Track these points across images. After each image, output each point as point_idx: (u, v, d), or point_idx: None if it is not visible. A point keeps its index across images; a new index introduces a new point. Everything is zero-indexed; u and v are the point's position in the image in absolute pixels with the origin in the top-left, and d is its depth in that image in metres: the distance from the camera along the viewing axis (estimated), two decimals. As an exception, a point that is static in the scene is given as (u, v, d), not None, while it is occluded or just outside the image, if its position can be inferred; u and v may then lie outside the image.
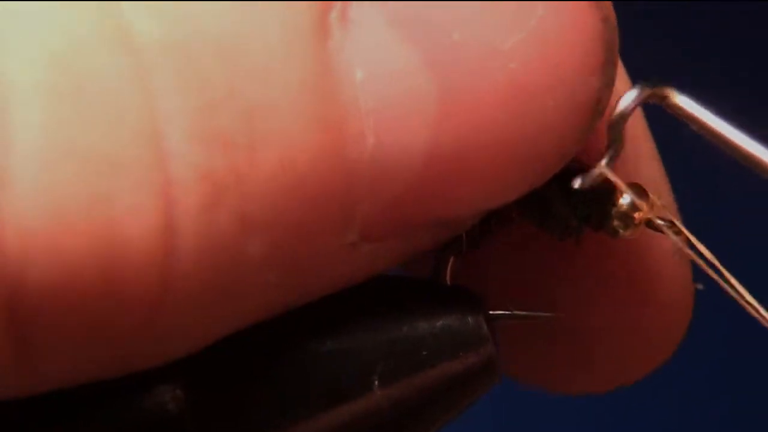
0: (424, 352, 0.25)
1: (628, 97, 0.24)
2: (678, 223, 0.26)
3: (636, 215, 0.26)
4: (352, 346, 0.25)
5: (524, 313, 0.28)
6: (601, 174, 0.24)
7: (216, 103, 0.18)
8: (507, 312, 0.28)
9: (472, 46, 0.20)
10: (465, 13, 0.20)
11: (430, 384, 0.26)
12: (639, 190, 0.26)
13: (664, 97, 0.24)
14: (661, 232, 0.26)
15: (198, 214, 0.18)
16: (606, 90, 0.22)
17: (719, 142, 0.25)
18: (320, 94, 0.19)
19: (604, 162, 0.24)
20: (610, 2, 0.22)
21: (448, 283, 0.27)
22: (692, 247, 0.26)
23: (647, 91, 0.24)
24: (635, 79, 0.25)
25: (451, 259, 0.27)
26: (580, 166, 0.25)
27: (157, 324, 0.20)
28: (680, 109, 0.25)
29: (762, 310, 0.25)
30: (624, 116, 0.24)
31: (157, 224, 0.18)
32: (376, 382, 0.25)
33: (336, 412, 0.25)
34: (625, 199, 0.26)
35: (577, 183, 0.25)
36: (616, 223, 0.26)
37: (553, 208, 0.26)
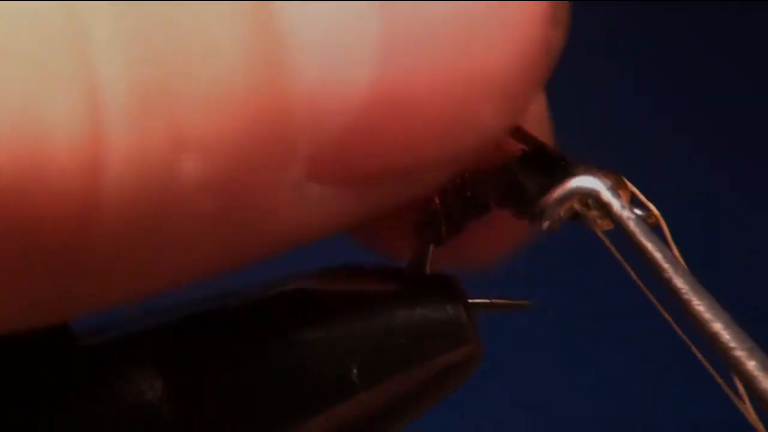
0: (403, 341, 0.25)
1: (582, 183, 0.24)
2: (656, 212, 0.26)
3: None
4: (330, 336, 0.25)
5: (505, 301, 0.28)
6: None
7: (146, 14, 0.18)
8: (487, 300, 0.28)
9: None
10: None
11: (410, 373, 0.26)
12: (618, 182, 0.26)
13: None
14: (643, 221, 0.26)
15: (128, 121, 0.18)
16: (556, 32, 0.21)
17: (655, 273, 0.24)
18: (256, 16, 0.19)
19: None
20: None
21: (427, 271, 0.27)
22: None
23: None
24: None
25: (431, 248, 0.27)
26: (557, 156, 0.25)
27: (83, 250, 0.19)
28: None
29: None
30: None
31: (83, 128, 0.17)
32: (355, 371, 0.25)
33: (314, 402, 0.25)
34: (606, 194, 0.26)
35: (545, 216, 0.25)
36: (592, 213, 0.26)
37: (529, 197, 0.26)
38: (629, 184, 0.26)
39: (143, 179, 0.18)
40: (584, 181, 0.25)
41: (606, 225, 0.26)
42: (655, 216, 0.25)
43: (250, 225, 0.21)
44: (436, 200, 0.27)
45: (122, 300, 0.21)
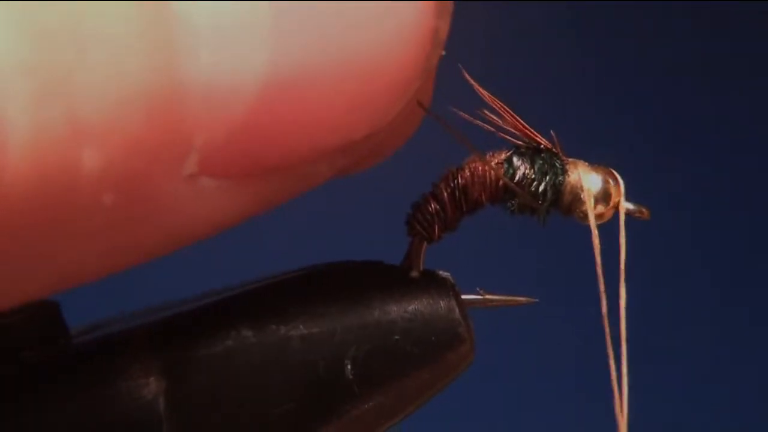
0: (396, 336, 0.25)
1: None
2: (646, 209, 0.26)
3: (605, 200, 0.26)
4: (324, 330, 0.25)
5: (497, 297, 0.28)
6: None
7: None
8: (479, 296, 0.28)
9: None
10: None
11: (403, 367, 0.26)
12: (609, 175, 0.26)
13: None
14: (632, 215, 0.26)
15: (25, 108, 0.18)
16: (442, 20, 0.22)
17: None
18: (149, 3, 0.19)
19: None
20: None
21: (421, 268, 0.27)
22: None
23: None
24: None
25: (424, 245, 0.27)
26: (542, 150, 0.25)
27: None
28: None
29: None
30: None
31: None
32: (349, 366, 0.25)
33: (307, 396, 0.25)
34: (593, 185, 0.26)
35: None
36: (584, 207, 0.26)
37: (518, 196, 0.26)
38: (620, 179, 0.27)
39: (44, 168, 0.18)
40: (593, 179, 0.25)
41: (599, 219, 0.26)
42: (646, 211, 0.26)
43: (148, 218, 0.21)
44: (430, 198, 0.27)
45: (16, 299, 0.20)
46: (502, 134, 0.27)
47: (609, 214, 0.26)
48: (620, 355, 0.26)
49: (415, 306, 0.26)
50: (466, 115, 0.27)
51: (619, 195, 0.26)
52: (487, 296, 0.28)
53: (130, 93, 0.19)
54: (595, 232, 0.26)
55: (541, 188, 0.26)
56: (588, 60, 0.96)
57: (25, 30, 0.18)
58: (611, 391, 0.27)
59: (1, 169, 0.18)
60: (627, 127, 0.96)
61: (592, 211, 0.26)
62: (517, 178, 0.26)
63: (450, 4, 0.22)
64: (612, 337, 0.27)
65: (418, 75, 0.22)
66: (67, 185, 0.19)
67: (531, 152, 0.27)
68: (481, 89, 0.27)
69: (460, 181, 0.27)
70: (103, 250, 0.20)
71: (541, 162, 0.26)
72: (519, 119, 0.27)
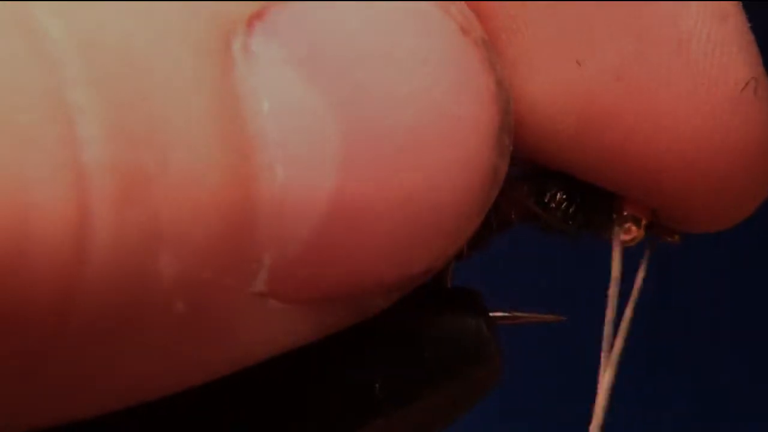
0: (426, 355, 0.26)
1: None
2: (677, 234, 0.26)
3: (636, 222, 0.26)
4: (352, 349, 0.25)
5: (526, 314, 0.28)
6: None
7: (127, 101, 0.18)
8: (508, 314, 0.28)
9: (373, 88, 0.20)
10: (365, 55, 0.20)
11: (432, 387, 0.26)
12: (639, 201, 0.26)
13: None
14: (662, 238, 0.26)
15: (111, 207, 0.18)
16: (502, 159, 0.22)
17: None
18: (227, 117, 0.19)
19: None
20: (501, 65, 0.22)
21: (449, 285, 0.27)
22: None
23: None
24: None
25: (453, 262, 0.27)
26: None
27: (59, 347, 0.18)
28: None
29: None
30: None
31: (70, 206, 0.17)
32: (377, 385, 0.25)
33: (336, 415, 0.25)
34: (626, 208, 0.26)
35: None
36: (616, 230, 0.26)
37: (540, 218, 0.26)
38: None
39: (122, 270, 0.18)
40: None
41: (631, 241, 0.26)
42: (677, 236, 0.26)
43: (215, 334, 0.21)
44: None
45: (76, 414, 0.20)
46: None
47: (639, 235, 0.26)
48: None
49: (444, 323, 0.26)
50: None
51: (650, 217, 0.26)
52: (516, 314, 0.28)
53: (209, 203, 0.19)
54: (615, 259, 0.26)
55: (571, 210, 0.26)
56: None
57: (112, 127, 0.18)
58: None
59: (82, 264, 0.17)
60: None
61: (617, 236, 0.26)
62: (547, 198, 0.26)
63: (511, 141, 0.22)
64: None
65: (476, 213, 0.22)
66: (141, 289, 0.18)
67: (562, 172, 0.27)
68: None
69: None
70: (165, 366, 0.20)
71: (572, 183, 0.26)
72: None
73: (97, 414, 0.20)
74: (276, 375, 0.24)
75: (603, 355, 0.26)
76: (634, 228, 0.26)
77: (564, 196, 0.26)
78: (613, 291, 0.26)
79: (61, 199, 0.17)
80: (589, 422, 0.27)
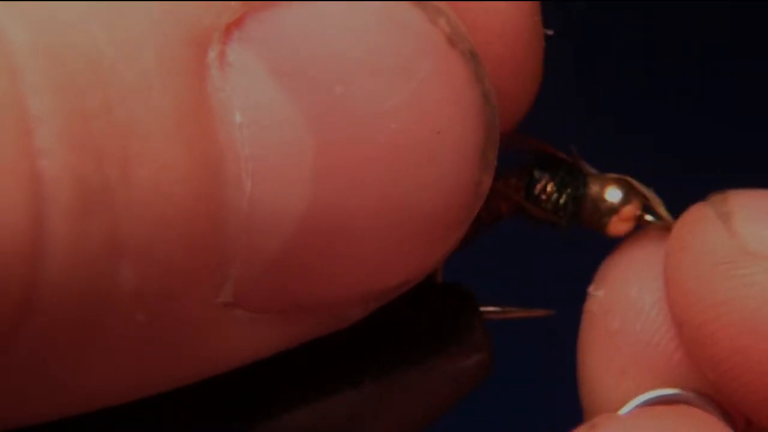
0: (416, 349, 0.25)
1: None
2: (669, 218, 0.26)
3: (626, 212, 0.26)
4: (342, 339, 0.25)
5: (517, 310, 0.28)
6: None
7: (90, 111, 0.18)
8: (499, 309, 0.28)
9: (354, 102, 0.20)
10: (347, 67, 0.20)
11: (422, 380, 0.26)
12: (630, 187, 0.26)
13: None
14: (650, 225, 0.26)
15: (68, 219, 0.17)
16: (485, 174, 0.21)
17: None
18: (197, 129, 0.19)
19: None
20: (489, 78, 0.21)
21: (440, 279, 0.27)
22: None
23: None
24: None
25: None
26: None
27: (15, 352, 0.18)
28: None
29: None
30: None
31: (25, 216, 0.17)
32: (367, 378, 0.25)
33: (326, 404, 0.25)
34: (614, 197, 0.26)
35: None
36: (605, 220, 0.26)
37: (528, 210, 0.26)
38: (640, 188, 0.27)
39: (80, 282, 0.18)
40: (614, 192, 0.25)
41: (620, 232, 0.26)
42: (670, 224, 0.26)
43: (179, 343, 0.20)
44: None
45: (44, 414, 0.20)
46: (520, 148, 0.27)
47: (631, 226, 0.26)
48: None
49: (435, 317, 0.26)
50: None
51: (639, 208, 0.26)
52: (506, 308, 0.28)
53: (173, 217, 0.18)
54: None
55: (561, 201, 0.26)
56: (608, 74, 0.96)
57: (72, 137, 0.17)
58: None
59: (37, 275, 0.17)
60: (647, 142, 0.96)
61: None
62: (537, 190, 0.26)
63: (495, 156, 0.22)
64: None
65: (457, 228, 0.22)
66: (100, 300, 0.18)
67: (551, 165, 0.27)
68: None
69: None
70: (129, 372, 0.20)
71: (561, 175, 0.26)
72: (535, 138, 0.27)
73: (69, 414, 0.20)
74: (265, 368, 0.24)
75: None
76: (622, 218, 0.26)
77: (553, 189, 0.26)
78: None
79: (16, 209, 0.17)
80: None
